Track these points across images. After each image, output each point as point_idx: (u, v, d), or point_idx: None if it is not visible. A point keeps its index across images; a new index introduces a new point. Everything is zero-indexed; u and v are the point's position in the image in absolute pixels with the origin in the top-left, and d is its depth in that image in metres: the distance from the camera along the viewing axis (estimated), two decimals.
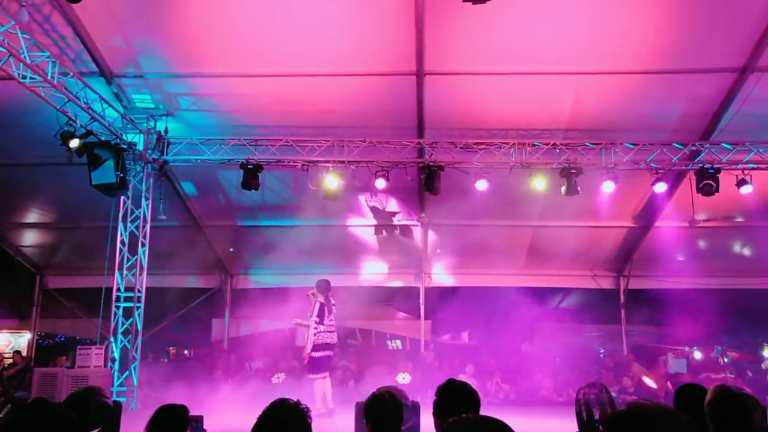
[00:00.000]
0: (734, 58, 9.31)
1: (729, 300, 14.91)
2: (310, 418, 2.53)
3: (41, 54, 8.01)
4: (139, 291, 10.80)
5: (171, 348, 17.46)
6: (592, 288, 15.01)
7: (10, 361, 14.08)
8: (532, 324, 16.26)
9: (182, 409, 3.73)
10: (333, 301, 9.77)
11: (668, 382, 12.98)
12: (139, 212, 11.00)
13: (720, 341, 16.52)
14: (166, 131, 10.62)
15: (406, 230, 13.44)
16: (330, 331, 9.51)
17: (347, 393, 12.76)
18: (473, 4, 6.52)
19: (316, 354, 9.31)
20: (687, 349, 16.77)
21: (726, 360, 16.58)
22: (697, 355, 16.78)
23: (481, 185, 10.60)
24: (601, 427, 3.66)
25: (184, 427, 3.68)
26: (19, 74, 7.87)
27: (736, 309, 15.25)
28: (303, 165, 10.56)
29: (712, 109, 10.22)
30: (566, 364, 13.81)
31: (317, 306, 9.40)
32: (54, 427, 2.29)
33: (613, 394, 5.28)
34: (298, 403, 2.56)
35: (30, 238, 14.64)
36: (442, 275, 15.00)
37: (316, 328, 9.36)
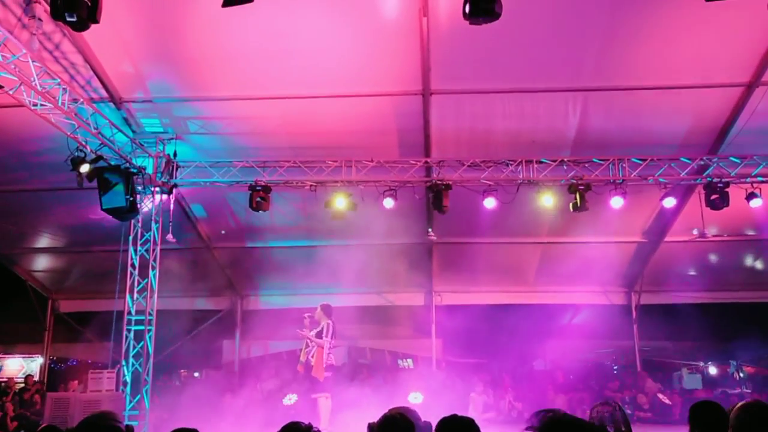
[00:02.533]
0: (740, 73, 9.32)
1: (743, 314, 14.80)
2: None
3: (52, 81, 8.12)
4: (150, 314, 10.81)
5: (182, 370, 17.44)
6: (604, 304, 14.90)
7: (22, 385, 14.12)
8: (544, 341, 16.15)
9: None
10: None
11: (683, 398, 12.85)
12: (149, 235, 11.06)
13: (735, 356, 16.36)
14: (175, 155, 10.70)
15: (416, 249, 13.44)
16: (330, 353, 9.90)
17: (360, 413, 12.68)
18: (470, 24, 6.57)
19: (327, 374, 9.63)
20: (702, 364, 16.62)
21: (742, 375, 16.40)
22: (712, 370, 16.62)
23: (489, 203, 10.60)
24: None
25: None
26: (30, 102, 7.97)
27: (751, 323, 15.12)
28: (311, 186, 10.61)
29: (719, 124, 10.21)
30: (579, 381, 13.69)
31: (330, 328, 9.69)
32: None
33: (628, 412, 5.24)
34: (310, 427, 2.56)
35: (41, 263, 14.72)
36: (452, 294, 14.95)
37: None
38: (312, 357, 9.68)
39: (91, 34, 8.21)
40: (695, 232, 11.78)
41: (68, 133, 8.82)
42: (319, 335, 9.77)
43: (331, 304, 10.19)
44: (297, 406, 12.64)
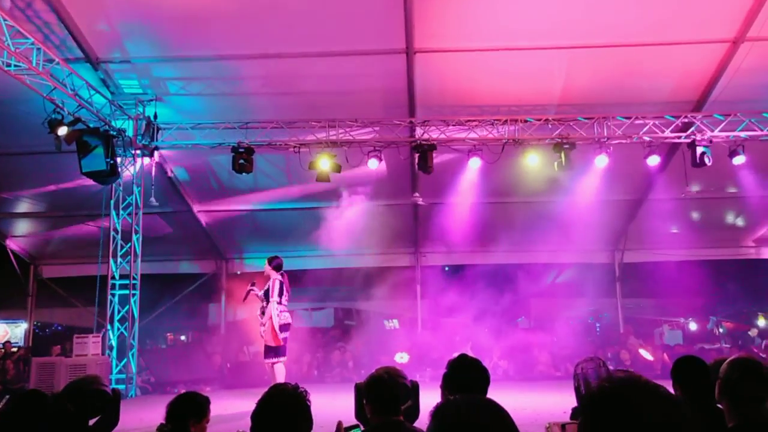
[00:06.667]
0: (725, 29, 9.26)
1: (723, 271, 15.02)
2: (309, 401, 2.52)
3: (25, 41, 7.89)
4: (135, 278, 10.77)
5: (168, 334, 17.49)
6: (587, 263, 15.04)
7: (14, 350, 14.11)
8: (528, 300, 16.32)
9: (204, 399, 3.72)
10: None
11: (664, 354, 13.10)
12: (131, 199, 10.95)
13: (715, 312, 16.66)
14: (155, 117, 10.52)
15: (402, 210, 13.45)
16: (287, 311, 8.76)
17: (346, 373, 12.84)
18: None
19: (282, 335, 8.55)
20: (682, 320, 16.92)
21: (721, 330, 16.73)
22: (693, 326, 16.93)
23: (474, 163, 10.57)
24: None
25: (204, 414, 3.66)
26: (3, 62, 7.76)
27: (730, 279, 15.35)
28: (295, 147, 10.49)
29: (704, 81, 10.19)
30: (563, 338, 13.89)
31: (277, 285, 8.59)
32: (49, 418, 2.27)
33: (611, 367, 5.31)
34: (297, 386, 2.55)
35: (22, 228, 14.55)
36: (437, 254, 15.01)
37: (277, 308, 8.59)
38: (264, 322, 8.57)
39: None
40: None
41: (44, 95, 8.61)
42: (265, 295, 8.63)
43: (279, 257, 8.98)
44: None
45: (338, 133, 10.43)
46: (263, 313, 8.70)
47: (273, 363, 8.55)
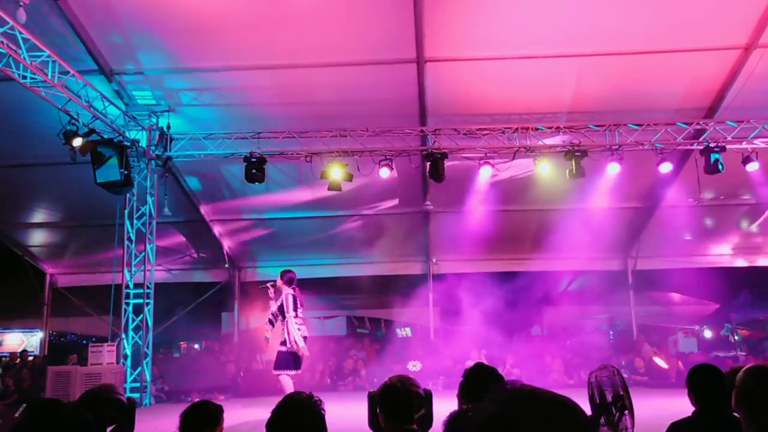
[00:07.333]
0: (737, 36, 9.23)
1: (738, 277, 14.88)
2: (324, 410, 2.53)
3: (40, 53, 7.99)
4: (148, 287, 10.84)
5: (182, 342, 17.56)
6: (600, 270, 14.97)
7: (30, 358, 14.23)
8: (541, 308, 16.24)
9: (217, 408, 3.74)
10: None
11: (679, 362, 12.98)
12: (145, 209, 11.03)
13: (729, 319, 16.50)
14: (168, 127, 10.61)
15: (413, 218, 13.45)
16: (303, 324, 8.67)
17: (359, 382, 12.83)
18: None
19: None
20: (697, 328, 16.76)
21: (736, 338, 16.56)
22: (707, 333, 16.76)
23: (486, 171, 10.56)
24: (614, 410, 3.64)
25: (217, 423, 3.68)
26: (19, 75, 7.86)
27: (744, 286, 15.21)
28: (306, 156, 10.54)
29: (715, 88, 10.16)
30: (576, 346, 13.82)
31: (290, 299, 8.54)
32: (68, 428, 2.30)
33: (625, 375, 5.28)
34: (311, 395, 2.57)
35: (38, 238, 14.69)
36: (449, 262, 14.99)
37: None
38: (292, 336, 8.39)
39: (80, 5, 8.09)
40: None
41: (59, 107, 8.71)
42: (280, 311, 8.60)
43: (292, 270, 8.89)
44: (296, 377, 12.73)
45: (349, 143, 10.47)
46: (272, 323, 8.71)
47: (286, 374, 8.48)
